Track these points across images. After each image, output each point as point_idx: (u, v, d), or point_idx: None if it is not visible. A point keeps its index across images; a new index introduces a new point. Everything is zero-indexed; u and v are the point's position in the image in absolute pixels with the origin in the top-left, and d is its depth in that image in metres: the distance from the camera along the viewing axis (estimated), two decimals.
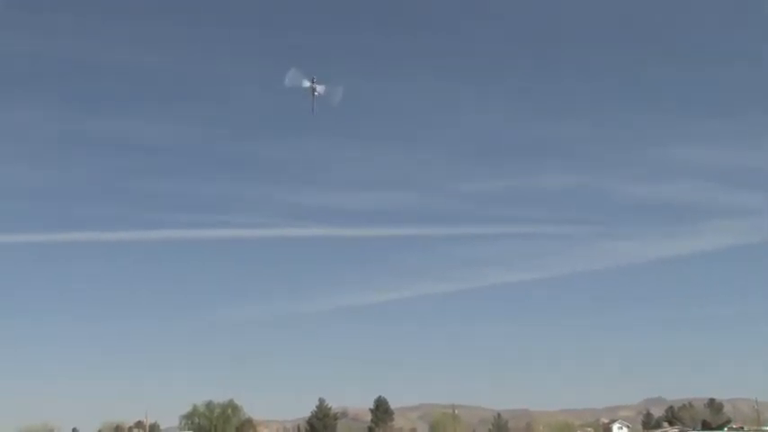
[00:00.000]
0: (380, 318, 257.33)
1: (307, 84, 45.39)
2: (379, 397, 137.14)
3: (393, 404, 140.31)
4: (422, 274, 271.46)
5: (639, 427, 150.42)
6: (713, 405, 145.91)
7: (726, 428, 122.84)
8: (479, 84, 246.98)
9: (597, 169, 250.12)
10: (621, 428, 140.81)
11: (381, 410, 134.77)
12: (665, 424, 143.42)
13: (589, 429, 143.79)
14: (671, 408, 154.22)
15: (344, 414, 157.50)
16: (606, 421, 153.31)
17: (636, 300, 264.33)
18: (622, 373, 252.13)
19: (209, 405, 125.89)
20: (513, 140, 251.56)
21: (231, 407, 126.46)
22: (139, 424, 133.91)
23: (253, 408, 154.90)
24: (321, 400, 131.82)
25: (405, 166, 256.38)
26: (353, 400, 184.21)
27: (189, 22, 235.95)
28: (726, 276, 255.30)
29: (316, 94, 45.82)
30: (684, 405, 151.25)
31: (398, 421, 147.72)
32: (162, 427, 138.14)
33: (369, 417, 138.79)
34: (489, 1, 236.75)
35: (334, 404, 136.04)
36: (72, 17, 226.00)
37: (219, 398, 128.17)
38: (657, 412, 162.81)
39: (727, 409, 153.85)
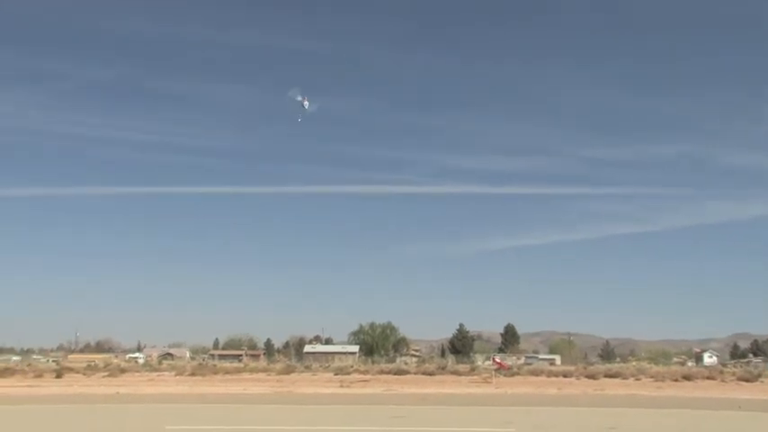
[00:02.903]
0: (512, 260, 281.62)
1: (298, 98, 60.39)
2: (508, 324, 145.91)
3: (519, 330, 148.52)
4: (547, 226, 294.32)
5: (727, 356, 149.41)
6: None
7: None
8: (599, 67, 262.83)
9: (698, 140, 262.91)
10: (711, 357, 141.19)
11: (510, 335, 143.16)
12: (750, 355, 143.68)
13: (683, 356, 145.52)
14: (756, 341, 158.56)
15: (479, 336, 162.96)
16: (698, 350, 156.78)
17: (729, 251, 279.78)
18: (714, 311, 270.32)
19: (371, 325, 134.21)
20: (628, 115, 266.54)
21: (389, 327, 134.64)
22: (317, 338, 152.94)
23: (406, 328, 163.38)
24: (461, 325, 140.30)
25: (534, 136, 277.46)
26: (487, 325, 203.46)
27: (361, 19, 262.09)
28: None
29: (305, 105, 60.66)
30: None
31: (523, 344, 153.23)
32: (334, 341, 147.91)
33: (499, 339, 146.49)
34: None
35: (471, 328, 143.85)
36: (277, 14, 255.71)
37: (380, 319, 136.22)
38: (743, 345, 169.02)
39: None
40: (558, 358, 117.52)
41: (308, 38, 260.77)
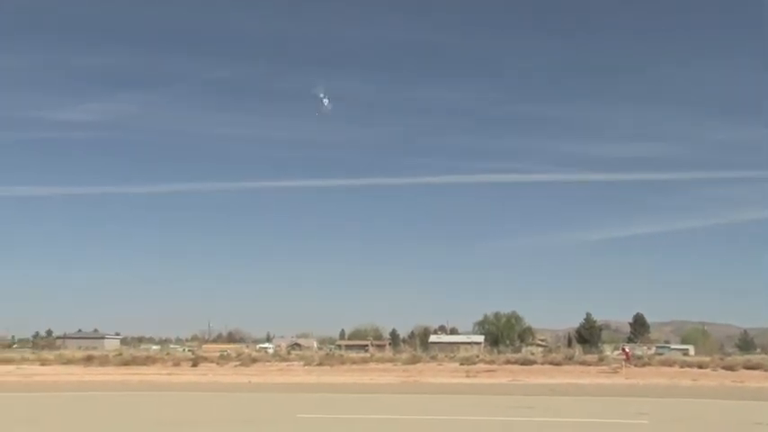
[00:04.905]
0: (641, 248, 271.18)
1: (320, 96, 64.16)
2: (637, 313, 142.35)
3: (649, 319, 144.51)
4: (676, 212, 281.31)
5: None
6: None
7: None
8: (726, 49, 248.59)
9: None
10: None
11: (639, 324, 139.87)
12: None
13: None
14: None
15: (607, 326, 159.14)
16: None
17: None
18: None
19: (496, 315, 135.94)
20: (756, 97, 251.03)
21: (514, 317, 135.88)
22: (442, 328, 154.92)
23: (531, 318, 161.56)
24: (588, 314, 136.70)
25: (660, 121, 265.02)
26: (615, 314, 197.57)
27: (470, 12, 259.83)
28: None
29: (324, 103, 63.35)
30: None
31: (653, 334, 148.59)
32: (459, 331, 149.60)
33: (628, 329, 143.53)
34: None
35: (598, 317, 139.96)
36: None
37: (505, 309, 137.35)
38: None
39: None
40: (691, 348, 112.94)
41: (425, 30, 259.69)
